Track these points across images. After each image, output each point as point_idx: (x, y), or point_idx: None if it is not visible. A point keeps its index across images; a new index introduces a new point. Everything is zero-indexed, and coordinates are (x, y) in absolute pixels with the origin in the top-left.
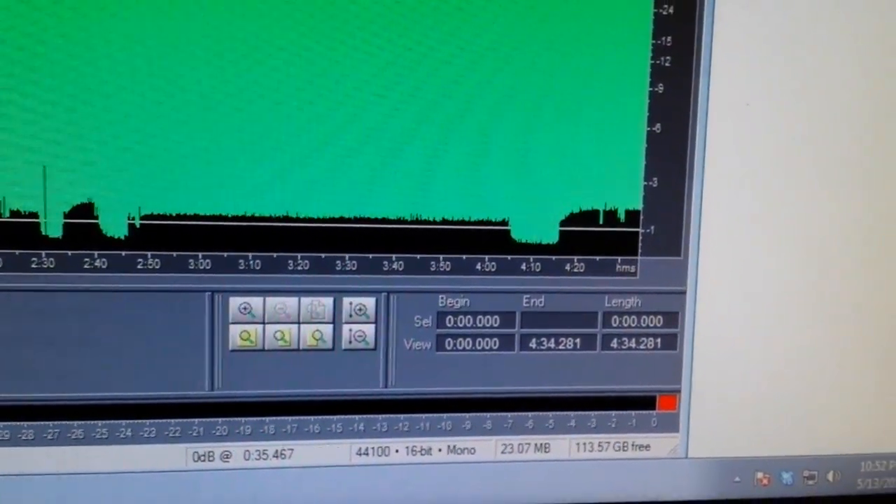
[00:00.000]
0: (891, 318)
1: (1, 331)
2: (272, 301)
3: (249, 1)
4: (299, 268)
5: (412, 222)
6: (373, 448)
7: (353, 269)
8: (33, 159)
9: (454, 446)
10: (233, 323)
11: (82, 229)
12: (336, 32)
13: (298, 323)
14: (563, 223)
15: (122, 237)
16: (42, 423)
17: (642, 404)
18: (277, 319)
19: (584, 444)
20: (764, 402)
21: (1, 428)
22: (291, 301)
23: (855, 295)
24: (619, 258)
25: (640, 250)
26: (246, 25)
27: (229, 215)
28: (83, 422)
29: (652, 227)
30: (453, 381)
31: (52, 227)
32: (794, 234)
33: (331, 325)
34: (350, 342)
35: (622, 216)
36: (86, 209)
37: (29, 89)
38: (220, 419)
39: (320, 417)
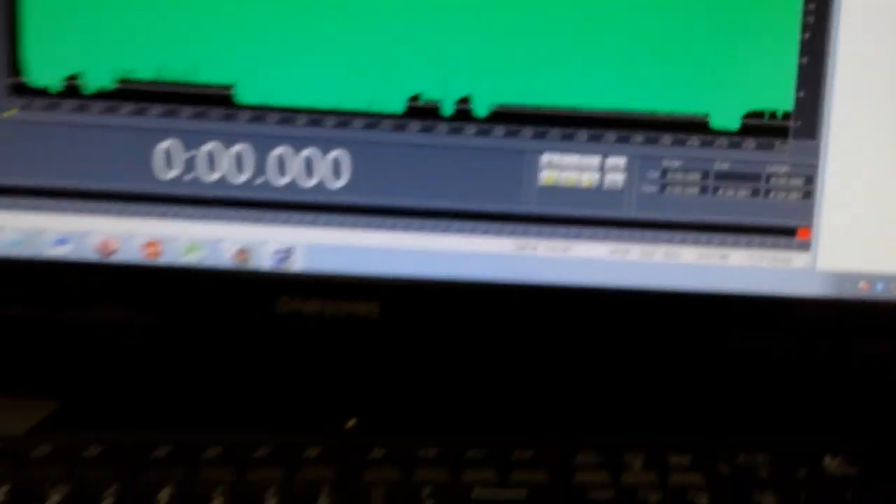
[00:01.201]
0: None
1: (397, 167)
2: (565, 157)
3: None
4: (583, 139)
5: (650, 115)
6: (619, 250)
7: (614, 140)
8: (437, 66)
9: (668, 252)
10: (541, 170)
11: (462, 112)
12: None
13: (580, 170)
14: (743, 118)
15: (484, 116)
16: (409, 219)
17: (788, 233)
18: (567, 168)
19: (751, 255)
20: (870, 237)
21: (389, 221)
22: (576, 158)
23: None
24: (777, 140)
25: (790, 136)
26: None
27: (546, 106)
28: (440, 221)
29: (799, 122)
30: (671, 212)
31: (447, 110)
32: None
33: (599, 173)
34: (610, 186)
35: (780, 115)
36: (466, 100)
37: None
38: (531, 225)
39: (590, 228)
